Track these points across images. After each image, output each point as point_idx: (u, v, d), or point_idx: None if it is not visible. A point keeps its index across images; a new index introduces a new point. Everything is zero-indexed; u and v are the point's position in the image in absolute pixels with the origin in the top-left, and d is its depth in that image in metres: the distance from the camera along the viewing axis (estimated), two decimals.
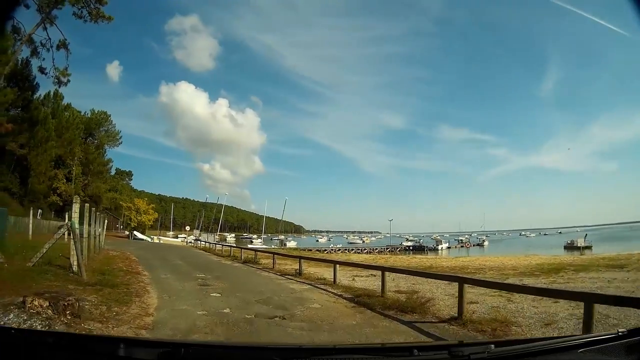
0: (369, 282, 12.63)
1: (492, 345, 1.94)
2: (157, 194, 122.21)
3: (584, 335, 3.10)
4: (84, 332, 5.14)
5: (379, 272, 10.56)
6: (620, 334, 2.10)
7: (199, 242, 44.25)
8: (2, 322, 4.84)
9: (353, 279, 13.39)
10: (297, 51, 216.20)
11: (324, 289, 11.31)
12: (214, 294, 9.78)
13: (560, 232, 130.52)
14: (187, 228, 79.25)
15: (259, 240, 72.68)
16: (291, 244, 67.40)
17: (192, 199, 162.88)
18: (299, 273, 14.80)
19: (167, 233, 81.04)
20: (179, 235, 77.82)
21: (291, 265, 17.23)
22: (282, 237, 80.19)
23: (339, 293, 10.55)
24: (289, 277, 14.42)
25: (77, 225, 10.86)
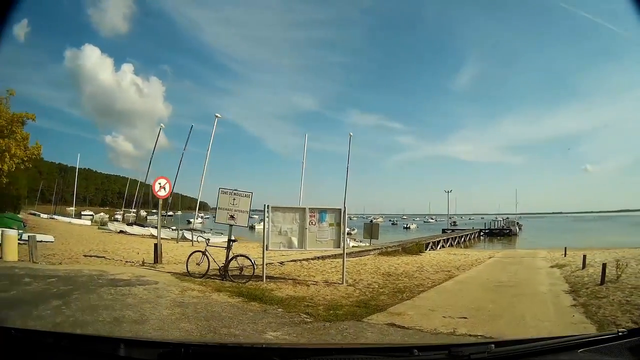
0: None
1: (492, 345, 1.95)
2: (57, 162, 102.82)
3: (584, 335, 2.80)
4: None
5: None
6: (620, 334, 2.19)
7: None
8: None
9: None
10: (220, 27, 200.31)
11: None
12: None
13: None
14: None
15: (199, 221, 52.35)
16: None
17: (94, 170, 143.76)
18: None
19: (68, 209, 66.23)
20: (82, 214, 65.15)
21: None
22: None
23: None
24: None
25: None
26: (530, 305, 7.63)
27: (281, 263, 13.54)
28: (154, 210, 55.43)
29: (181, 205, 70.00)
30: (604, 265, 9.86)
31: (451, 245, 36.76)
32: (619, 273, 9.61)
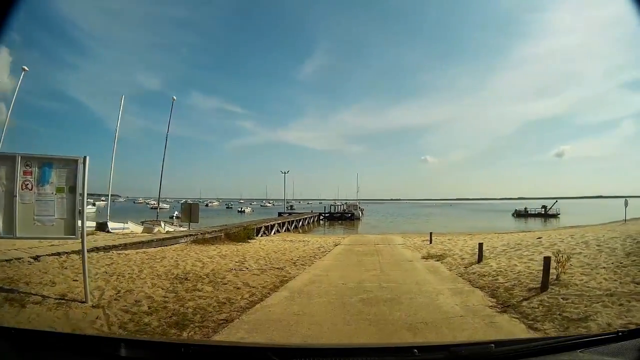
0: None
1: (492, 345, 1.94)
2: None
3: (584, 335, 2.84)
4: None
5: None
6: (620, 334, 2.12)
7: None
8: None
9: None
10: None
11: None
12: None
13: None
14: None
15: None
16: None
17: None
18: None
19: None
20: None
21: None
22: None
23: None
24: None
25: None
26: None
27: (35, 258, 8.71)
28: None
29: None
30: (548, 260, 6.83)
31: (288, 229, 35.00)
32: (560, 271, 7.24)
